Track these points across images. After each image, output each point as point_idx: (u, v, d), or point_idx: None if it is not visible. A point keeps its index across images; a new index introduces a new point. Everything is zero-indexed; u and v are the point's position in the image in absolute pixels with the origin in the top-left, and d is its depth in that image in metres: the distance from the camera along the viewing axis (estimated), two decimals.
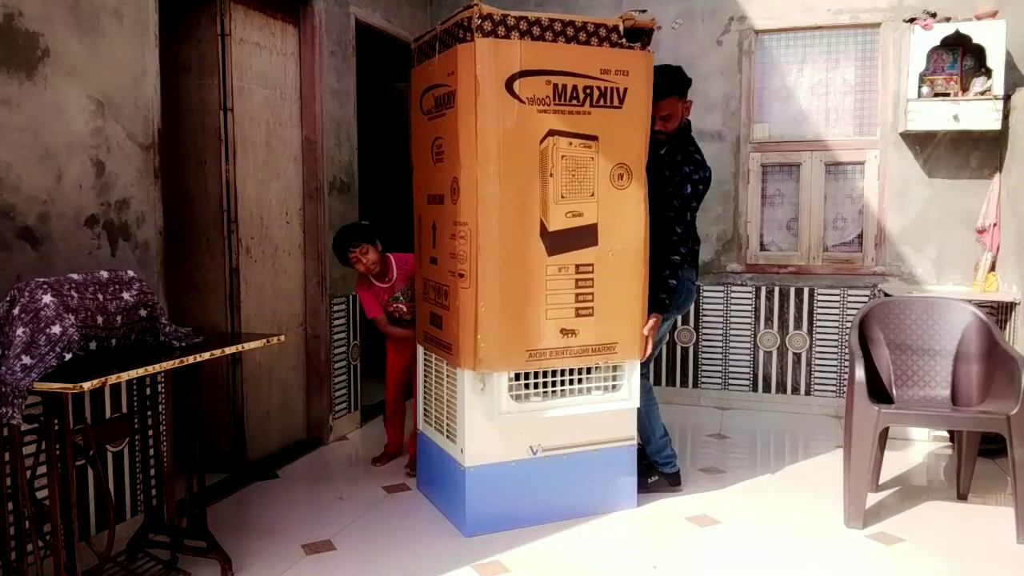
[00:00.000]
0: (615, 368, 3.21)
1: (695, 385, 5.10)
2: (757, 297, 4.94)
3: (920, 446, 4.22)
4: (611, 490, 3.31)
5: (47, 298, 2.19)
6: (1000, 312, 4.10)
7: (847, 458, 3.21)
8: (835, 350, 4.81)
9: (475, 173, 2.91)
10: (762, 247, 5.00)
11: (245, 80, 3.73)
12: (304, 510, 3.36)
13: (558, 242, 3.01)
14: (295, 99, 4.10)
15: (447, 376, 3.22)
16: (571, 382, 3.16)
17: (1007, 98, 4.22)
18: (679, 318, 5.03)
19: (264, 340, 2.73)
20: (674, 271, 3.26)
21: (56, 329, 2.17)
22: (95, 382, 2.04)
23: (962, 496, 3.48)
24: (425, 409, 3.53)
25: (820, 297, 4.82)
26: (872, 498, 3.40)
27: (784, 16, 4.80)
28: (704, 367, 5.08)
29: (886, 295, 4.13)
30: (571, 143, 2.99)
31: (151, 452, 2.87)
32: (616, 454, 3.29)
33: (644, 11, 3.11)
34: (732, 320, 4.99)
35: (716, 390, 5.06)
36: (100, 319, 2.35)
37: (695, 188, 3.29)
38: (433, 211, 3.25)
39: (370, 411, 4.73)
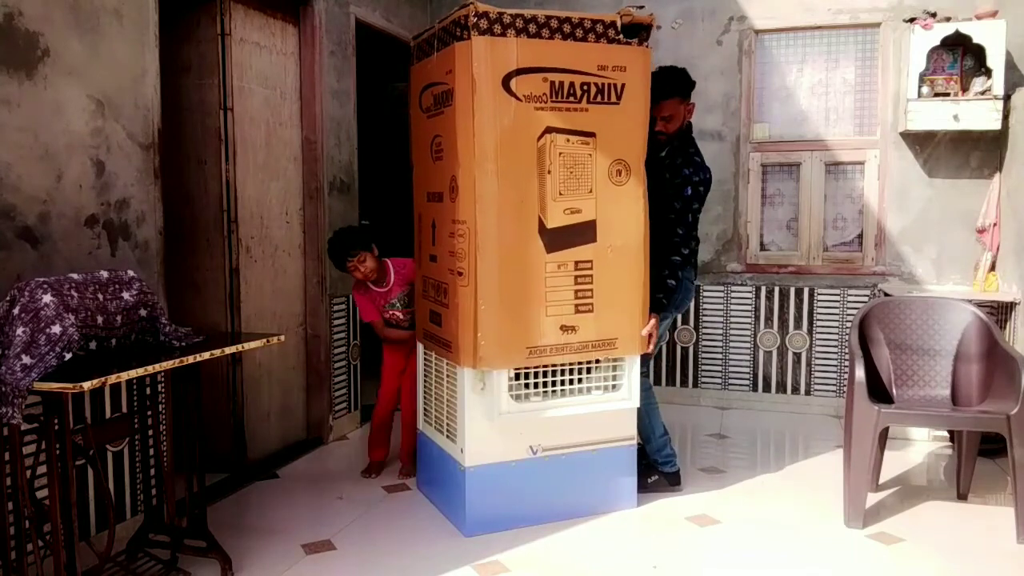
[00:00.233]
0: (615, 368, 3.21)
1: (695, 385, 5.10)
2: (757, 297, 4.94)
3: (920, 446, 4.22)
4: (611, 490, 3.31)
5: (47, 298, 2.19)
6: (1000, 312, 4.10)
7: (847, 458, 3.21)
8: (835, 350, 4.81)
9: (473, 172, 2.91)
10: (762, 247, 5.00)
11: (245, 80, 3.73)
12: (304, 510, 3.36)
13: (557, 239, 3.01)
14: (295, 99, 4.11)
15: (447, 376, 3.22)
16: (571, 382, 3.16)
17: (1007, 98, 4.22)
18: (679, 317, 5.03)
19: (264, 340, 2.73)
20: (674, 272, 3.26)
21: (56, 329, 2.17)
22: (95, 382, 2.04)
23: (962, 496, 3.48)
24: (425, 409, 3.53)
25: (820, 297, 4.82)
26: (872, 498, 3.40)
27: (784, 16, 4.80)
28: (704, 367, 5.08)
29: (886, 295, 4.13)
30: (569, 140, 2.99)
31: (151, 452, 2.87)
32: (616, 454, 3.29)
33: (642, 7, 3.10)
34: (732, 320, 4.99)
35: (716, 390, 5.06)
36: (100, 319, 2.35)
37: (695, 190, 3.29)
38: (433, 209, 3.25)
39: (370, 411, 4.71)
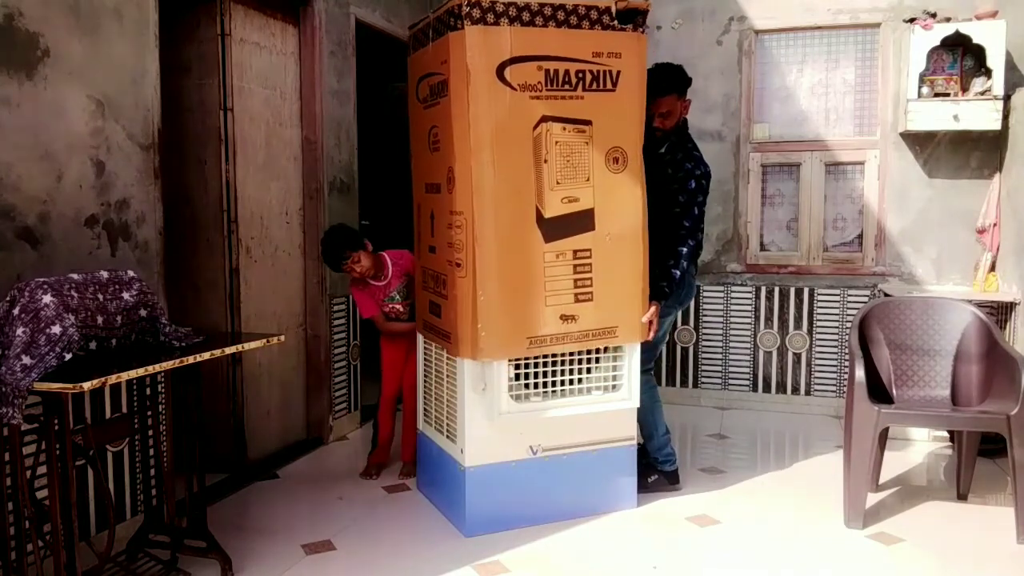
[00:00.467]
0: (615, 368, 3.21)
1: (695, 385, 5.10)
2: (757, 297, 4.94)
3: (920, 446, 4.22)
4: (611, 490, 3.31)
5: (47, 298, 2.19)
6: (1000, 312, 4.10)
7: (847, 458, 3.21)
8: (835, 350, 4.81)
9: (469, 162, 2.90)
10: (762, 247, 5.00)
11: (245, 80, 3.73)
12: (304, 510, 3.36)
13: (555, 228, 3.00)
14: (295, 99, 4.10)
15: (447, 376, 3.22)
16: (571, 382, 3.16)
17: (1007, 98, 4.22)
18: (679, 317, 5.03)
19: (264, 340, 2.73)
20: (679, 262, 3.27)
21: (56, 329, 2.17)
22: (95, 382, 2.04)
23: (962, 496, 3.48)
24: (425, 409, 3.53)
25: (820, 297, 4.82)
26: (872, 498, 3.40)
27: (784, 16, 4.80)
28: (704, 367, 5.08)
29: (886, 295, 4.13)
30: (565, 128, 2.98)
31: (151, 452, 2.87)
32: (616, 454, 3.29)
33: None
34: (732, 320, 4.99)
35: (716, 390, 5.06)
36: (100, 319, 2.35)
37: (699, 183, 3.32)
38: (431, 200, 3.25)
39: (370, 411, 4.72)
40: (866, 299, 4.62)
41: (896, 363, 3.49)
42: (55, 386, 2.04)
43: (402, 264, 3.69)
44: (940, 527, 3.20)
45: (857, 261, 4.79)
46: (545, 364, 3.10)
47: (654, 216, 3.18)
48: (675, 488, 3.56)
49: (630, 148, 3.08)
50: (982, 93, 4.23)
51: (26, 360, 2.10)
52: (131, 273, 2.55)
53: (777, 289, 4.90)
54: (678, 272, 3.27)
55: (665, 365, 5.12)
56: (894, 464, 3.82)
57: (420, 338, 3.52)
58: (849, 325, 4.46)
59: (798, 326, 4.87)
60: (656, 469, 3.54)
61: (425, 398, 3.52)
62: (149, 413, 2.80)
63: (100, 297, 2.37)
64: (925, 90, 4.34)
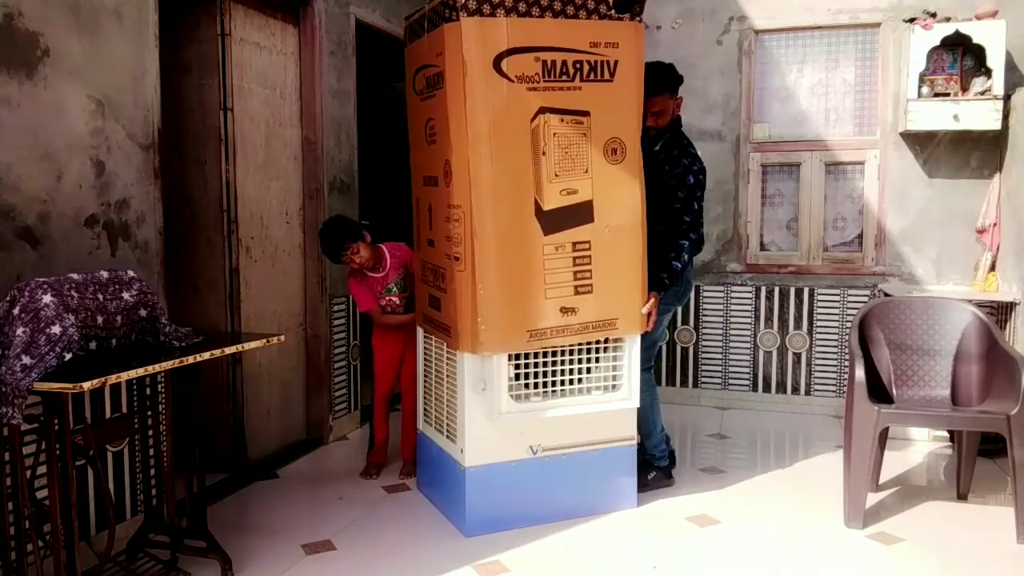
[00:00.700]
0: (615, 368, 3.21)
1: (695, 385, 5.10)
2: (757, 297, 4.94)
3: (920, 446, 4.22)
4: (611, 490, 3.31)
5: (47, 298, 2.19)
6: (1000, 312, 4.10)
7: (847, 458, 3.21)
8: (835, 350, 4.81)
9: (466, 155, 2.89)
10: (762, 247, 5.00)
11: (245, 80, 3.73)
12: (304, 510, 3.36)
13: (554, 221, 2.99)
14: (295, 99, 4.10)
15: (447, 375, 3.22)
16: (571, 382, 3.16)
17: (1007, 98, 4.22)
18: (679, 317, 5.03)
19: (264, 340, 2.73)
20: (680, 255, 3.28)
21: (56, 329, 2.17)
22: (95, 382, 2.04)
23: (962, 496, 3.48)
24: (425, 409, 3.53)
25: (820, 297, 4.82)
26: (872, 498, 3.40)
27: (784, 16, 4.80)
28: (704, 367, 5.08)
29: (886, 295, 4.13)
30: (563, 120, 2.97)
31: (151, 452, 2.87)
32: (616, 454, 3.29)
33: None
34: (732, 320, 4.99)
35: (716, 390, 5.06)
36: (100, 319, 2.35)
37: (696, 179, 3.34)
38: (429, 193, 3.24)
39: (369, 411, 4.71)
40: (866, 299, 4.62)
41: (896, 363, 3.49)
42: (55, 386, 2.04)
43: (400, 256, 3.69)
44: (940, 527, 3.20)
45: (857, 261, 4.79)
46: (545, 364, 3.10)
47: (652, 213, 3.18)
48: (669, 483, 3.57)
49: (628, 139, 3.07)
50: (982, 93, 4.23)
51: (26, 360, 2.10)
52: (131, 273, 2.55)
53: (777, 289, 4.90)
54: (679, 264, 3.27)
55: (665, 365, 5.12)
56: (894, 464, 3.82)
57: (420, 337, 3.52)
58: (849, 325, 4.46)
59: (798, 326, 4.87)
60: (653, 466, 3.55)
61: (425, 398, 3.52)
62: (149, 413, 2.80)
63: (100, 297, 2.37)
64: (925, 90, 4.34)
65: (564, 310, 3.02)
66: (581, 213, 3.03)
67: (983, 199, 4.46)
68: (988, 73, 4.21)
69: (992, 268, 4.34)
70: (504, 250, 2.94)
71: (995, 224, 4.36)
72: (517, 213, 2.94)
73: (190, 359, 2.40)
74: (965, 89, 4.35)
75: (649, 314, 3.18)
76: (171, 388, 2.76)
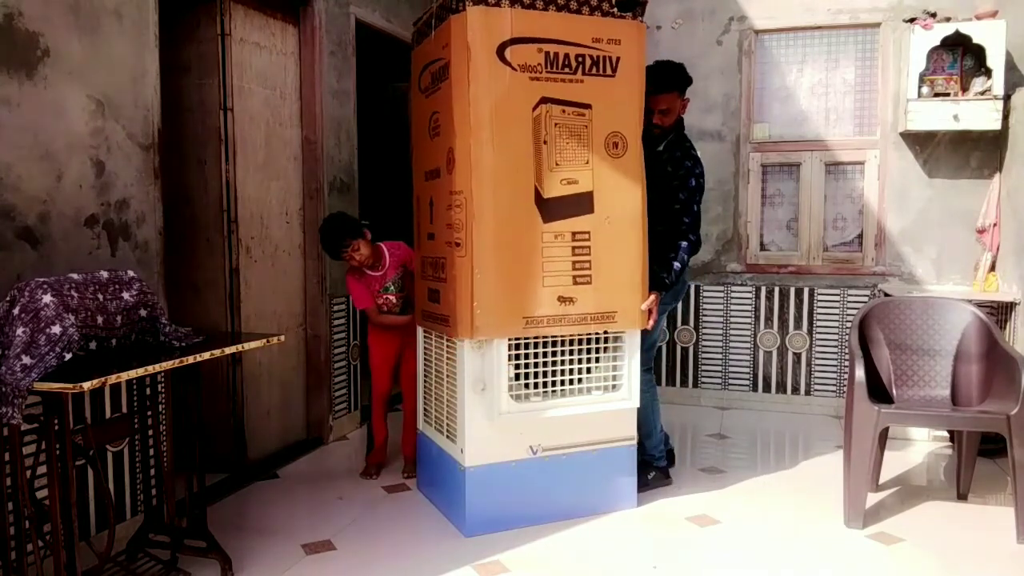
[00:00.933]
0: (615, 368, 3.21)
1: (695, 385, 5.10)
2: (757, 297, 4.94)
3: (920, 446, 4.22)
4: (611, 490, 3.31)
5: (47, 298, 2.19)
6: (1000, 312, 4.10)
7: (847, 458, 3.21)
8: (835, 350, 4.81)
9: (469, 141, 2.91)
10: (762, 247, 5.00)
11: (245, 80, 3.73)
12: (304, 510, 3.36)
13: (553, 209, 3.00)
14: (295, 99, 4.11)
15: (447, 376, 3.22)
16: (571, 382, 3.16)
17: (1007, 98, 4.22)
18: (679, 317, 5.03)
19: (264, 340, 2.73)
20: (679, 255, 3.29)
21: (56, 329, 2.17)
22: (95, 382, 2.04)
23: (962, 496, 3.48)
24: (425, 409, 3.53)
25: (820, 297, 4.82)
26: (872, 498, 3.40)
27: (784, 16, 4.80)
28: (704, 367, 5.08)
29: (886, 295, 4.13)
30: (564, 111, 2.99)
31: (151, 452, 2.87)
32: (616, 454, 3.29)
33: None
34: (732, 320, 4.99)
35: (716, 390, 5.06)
36: (100, 319, 2.35)
37: (698, 181, 3.36)
38: (430, 187, 3.25)
39: (369, 411, 4.72)
40: (866, 299, 4.63)
41: (896, 363, 3.49)
42: (55, 386, 2.04)
43: (399, 255, 3.70)
44: (940, 527, 3.20)
45: (857, 261, 4.79)
46: (546, 364, 3.10)
47: (653, 213, 3.19)
48: (667, 483, 3.58)
49: (629, 134, 3.09)
50: (982, 93, 4.23)
51: (26, 360, 2.10)
52: (131, 273, 2.55)
53: (777, 289, 4.90)
54: (679, 264, 3.28)
55: (665, 365, 5.12)
56: (894, 464, 3.82)
57: (420, 336, 3.52)
58: (849, 325, 4.46)
59: (798, 326, 4.87)
60: (652, 466, 3.55)
61: (425, 398, 3.52)
62: (149, 413, 2.80)
63: (100, 297, 2.37)
64: (925, 90, 4.34)
65: (562, 299, 3.02)
66: (581, 203, 3.04)
67: (983, 199, 4.46)
68: (988, 73, 4.21)
69: (992, 268, 4.34)
70: (503, 236, 2.94)
71: (995, 224, 4.36)
72: (517, 200, 2.96)
73: (190, 359, 2.40)
74: (965, 89, 4.35)
75: (649, 311, 3.18)
76: (171, 388, 2.76)
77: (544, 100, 2.96)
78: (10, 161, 2.46)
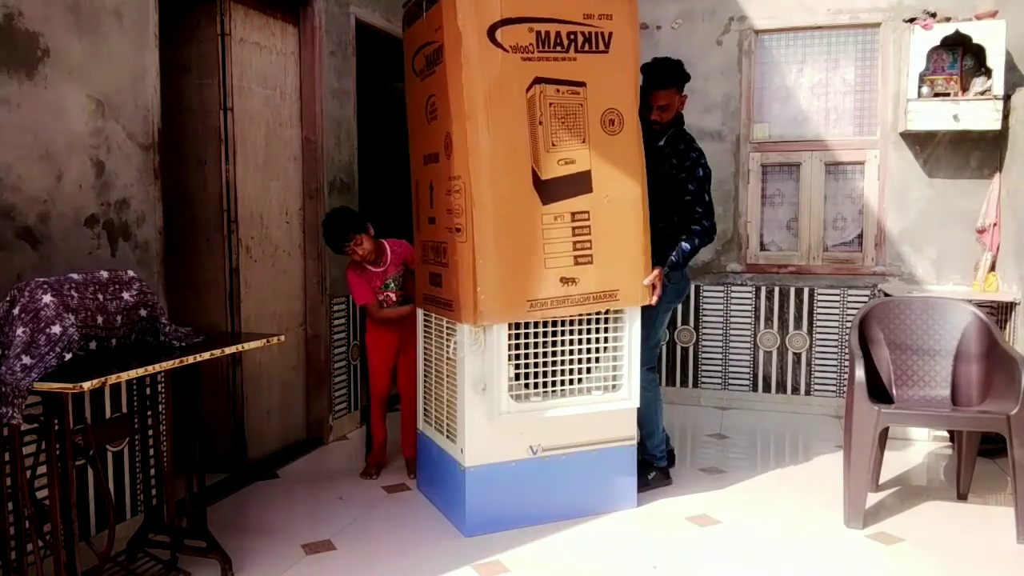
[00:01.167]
0: (615, 368, 3.21)
1: (695, 385, 5.10)
2: (757, 297, 4.94)
3: (920, 446, 4.22)
4: (611, 490, 3.31)
5: (47, 298, 2.19)
6: (1000, 312, 4.10)
7: (847, 458, 3.21)
8: (835, 350, 4.80)
9: (465, 126, 2.90)
10: (762, 247, 5.00)
11: (245, 80, 3.73)
12: (304, 510, 3.36)
13: (552, 190, 2.99)
14: (295, 99, 4.11)
15: (447, 375, 3.22)
16: (571, 382, 3.15)
17: (1007, 98, 4.22)
18: (679, 317, 5.03)
19: (264, 340, 2.73)
20: (691, 238, 3.31)
21: (56, 329, 2.17)
22: (95, 382, 2.04)
23: (962, 496, 3.48)
24: (425, 409, 3.53)
25: (820, 297, 4.82)
26: (872, 498, 3.40)
27: (784, 16, 4.80)
28: (704, 367, 5.08)
29: (886, 295, 4.13)
30: (558, 90, 2.97)
31: (151, 452, 2.87)
32: (616, 454, 3.29)
33: None
34: (732, 320, 4.99)
35: (716, 390, 5.06)
36: (100, 319, 2.35)
37: (705, 170, 3.39)
38: (430, 171, 3.25)
39: (369, 411, 4.72)
40: (866, 299, 4.62)
41: (896, 363, 3.49)
42: (55, 386, 2.04)
43: (400, 252, 3.70)
44: (940, 527, 3.20)
45: (857, 261, 4.79)
46: (546, 364, 3.10)
47: (655, 210, 3.19)
48: (667, 483, 3.59)
49: (625, 110, 3.08)
50: (982, 93, 4.23)
51: (26, 360, 2.10)
52: (131, 273, 2.55)
53: (777, 289, 4.90)
54: (688, 246, 3.30)
55: (665, 365, 5.12)
56: (894, 464, 3.82)
57: (420, 337, 3.52)
58: (849, 325, 4.46)
59: (798, 326, 4.87)
60: (653, 466, 3.55)
61: (425, 398, 3.52)
62: (149, 413, 2.80)
63: (100, 297, 2.37)
64: (925, 90, 4.34)
65: (564, 280, 3.01)
66: (580, 183, 3.02)
67: (983, 199, 4.46)
68: (988, 73, 4.21)
69: (992, 268, 4.34)
70: (503, 220, 2.93)
71: (995, 224, 4.36)
72: (516, 183, 2.94)
73: (190, 359, 2.40)
74: (965, 89, 4.35)
75: (653, 286, 3.17)
76: (171, 388, 2.76)
77: (537, 80, 2.94)
78: (10, 161, 2.46)
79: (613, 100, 3.05)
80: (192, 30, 3.61)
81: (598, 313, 3.15)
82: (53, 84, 2.60)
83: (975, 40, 4.20)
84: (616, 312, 3.17)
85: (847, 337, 4.55)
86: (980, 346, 3.38)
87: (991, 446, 3.75)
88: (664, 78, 3.35)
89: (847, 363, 3.94)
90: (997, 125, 4.21)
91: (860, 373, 3.16)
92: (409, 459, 3.78)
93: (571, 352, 3.13)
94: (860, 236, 4.80)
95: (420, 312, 3.51)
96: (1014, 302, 4.04)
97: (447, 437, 3.25)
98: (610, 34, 3.02)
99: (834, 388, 4.83)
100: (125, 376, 2.16)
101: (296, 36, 4.08)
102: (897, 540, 3.06)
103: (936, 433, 4.21)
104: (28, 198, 2.52)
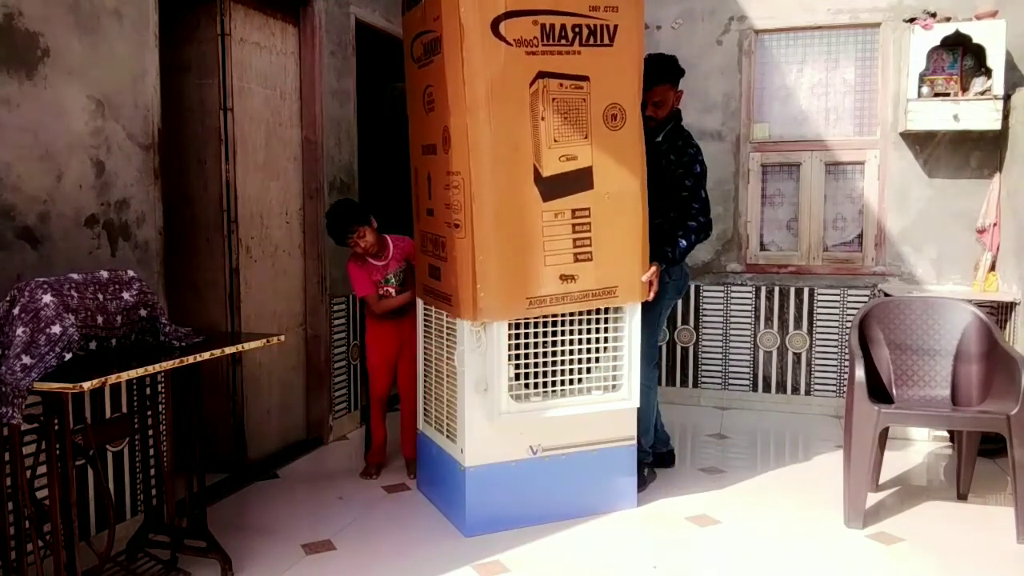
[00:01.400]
0: (615, 368, 3.20)
1: (695, 385, 5.10)
2: (757, 297, 4.94)
3: (920, 446, 4.22)
4: (611, 490, 3.31)
5: (47, 298, 2.19)
6: (1000, 312, 4.10)
7: (847, 458, 3.21)
8: (835, 350, 4.80)
9: (465, 121, 2.87)
10: (762, 247, 5.00)
11: (245, 80, 3.73)
12: (304, 510, 3.36)
13: (553, 187, 2.97)
14: (295, 99, 4.11)
15: (447, 375, 3.22)
16: (571, 382, 3.15)
17: (1007, 98, 4.22)
18: (679, 316, 5.03)
19: (264, 340, 2.73)
20: (688, 234, 3.32)
21: (56, 329, 2.17)
22: (95, 382, 2.04)
23: (962, 496, 3.48)
24: (425, 409, 3.53)
25: (820, 297, 4.82)
26: (872, 498, 3.40)
27: (784, 16, 4.80)
28: (704, 367, 5.08)
29: (886, 295, 4.13)
30: (562, 85, 2.93)
31: (151, 452, 2.87)
32: (616, 454, 3.29)
33: None
34: (732, 320, 4.99)
35: (716, 390, 5.06)
36: (100, 319, 2.35)
37: (703, 167, 3.40)
38: (428, 162, 3.23)
39: (368, 411, 4.72)
40: (866, 299, 4.62)
41: (896, 363, 3.49)
42: (55, 386, 2.04)
43: (403, 247, 3.70)
44: (940, 527, 3.20)
45: (857, 261, 4.79)
46: (546, 364, 3.10)
47: (654, 206, 3.20)
48: (653, 477, 3.60)
49: (628, 105, 3.06)
50: (982, 93, 4.23)
51: (26, 360, 2.10)
52: (131, 273, 2.55)
53: (777, 289, 4.90)
54: (685, 243, 3.30)
55: (665, 365, 5.11)
56: (894, 464, 3.82)
57: (420, 337, 3.52)
58: (849, 325, 4.46)
59: (798, 326, 4.87)
60: (645, 463, 3.56)
61: (425, 398, 3.52)
62: (149, 413, 2.80)
63: (100, 297, 2.37)
64: (925, 90, 4.34)
65: (564, 277, 3.00)
66: (581, 180, 3.00)
67: (983, 199, 4.46)
68: (988, 73, 4.21)
69: (992, 268, 4.34)
70: (503, 217, 2.91)
71: (995, 224, 4.36)
72: (516, 179, 2.92)
73: (190, 359, 2.40)
74: (965, 89, 4.35)
75: (650, 283, 3.17)
76: (171, 388, 2.76)
77: (541, 75, 2.90)
78: (10, 161, 2.46)
79: (616, 95, 3.03)
80: (192, 30, 3.61)
81: (598, 312, 3.14)
82: (53, 84, 2.60)
83: (975, 40, 4.20)
84: (616, 312, 3.17)
85: (847, 337, 4.55)
86: (980, 346, 3.38)
87: (991, 446, 3.75)
88: (658, 74, 3.36)
89: (847, 363, 3.94)
90: (997, 125, 4.21)
91: (860, 373, 3.16)
92: (409, 459, 3.78)
93: (571, 352, 3.13)
94: (860, 236, 4.80)
95: (420, 311, 3.51)
96: (1014, 302, 4.04)
97: (447, 437, 3.25)
98: (615, 27, 2.98)
99: (834, 388, 4.83)
100: (125, 376, 2.17)
101: (296, 36, 4.08)
102: (897, 540, 3.06)
103: (936, 433, 4.21)
104: (28, 198, 2.52)
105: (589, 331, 3.16)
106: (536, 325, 3.06)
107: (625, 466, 3.32)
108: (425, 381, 3.51)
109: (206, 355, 2.46)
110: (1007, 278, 4.20)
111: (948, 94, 4.35)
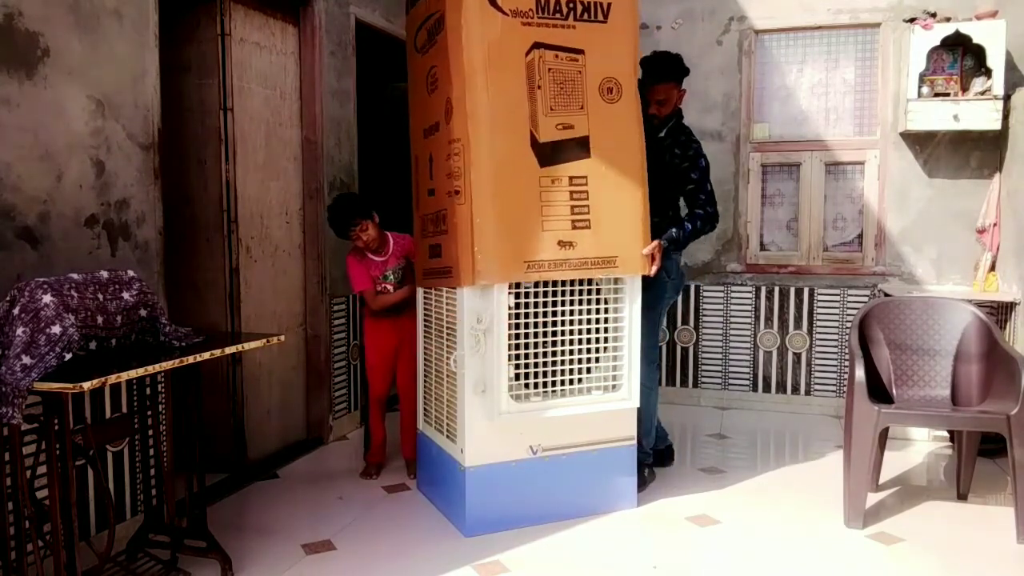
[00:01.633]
0: (615, 368, 3.21)
1: (695, 385, 5.10)
2: (757, 297, 4.94)
3: (920, 446, 4.22)
4: (611, 490, 3.31)
5: (47, 298, 2.19)
6: (1000, 312, 4.10)
7: (847, 458, 3.21)
8: (835, 350, 4.81)
9: (464, 87, 2.92)
10: (762, 247, 5.00)
11: (245, 80, 3.73)
12: (304, 510, 3.36)
13: (550, 153, 3.01)
14: (295, 99, 4.11)
15: (447, 375, 3.22)
16: (571, 382, 3.15)
17: (1007, 98, 4.22)
18: (679, 316, 5.03)
19: (264, 340, 2.73)
20: (694, 220, 3.35)
21: (56, 329, 2.17)
22: (95, 382, 2.04)
23: (962, 496, 3.48)
24: (425, 409, 3.53)
25: (820, 297, 4.82)
26: (872, 498, 3.40)
27: (784, 16, 4.80)
28: (704, 367, 5.08)
29: (886, 295, 4.13)
30: (557, 56, 3.02)
31: (151, 452, 2.87)
32: (616, 454, 3.29)
33: None
34: (732, 320, 4.99)
35: (716, 390, 5.06)
36: (100, 319, 2.35)
37: (706, 161, 3.44)
38: (430, 144, 3.26)
39: (368, 412, 4.72)
40: (866, 299, 4.63)
41: (896, 363, 3.49)
42: (55, 386, 2.04)
43: (403, 244, 3.70)
44: (940, 527, 3.20)
45: (857, 261, 4.79)
46: (547, 364, 3.10)
47: (657, 202, 3.21)
48: (651, 477, 3.59)
49: (624, 80, 3.11)
50: (982, 93, 4.23)
51: (26, 360, 2.10)
52: (131, 273, 2.55)
53: (777, 289, 4.90)
54: (689, 226, 3.34)
55: (665, 365, 5.12)
56: (894, 464, 3.83)
57: (420, 337, 3.52)
58: (849, 325, 4.46)
59: (798, 326, 4.87)
60: (645, 463, 3.56)
61: (425, 398, 3.52)
62: (149, 413, 2.80)
63: (100, 297, 2.37)
64: (925, 90, 4.34)
65: (562, 243, 3.02)
66: (577, 147, 3.05)
67: (983, 199, 4.46)
68: (988, 73, 4.21)
69: (992, 268, 4.34)
70: (501, 182, 2.95)
71: (995, 224, 4.37)
72: (514, 144, 2.96)
73: (190, 359, 2.40)
74: (965, 89, 4.35)
75: (652, 257, 3.16)
76: (171, 388, 2.76)
77: (536, 45, 2.98)
78: (10, 161, 2.46)
79: (612, 69, 3.09)
80: (192, 30, 3.61)
81: (598, 305, 3.15)
82: (53, 84, 2.60)
83: (975, 40, 4.20)
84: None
85: (847, 337, 4.56)
86: (980, 346, 3.38)
87: (991, 446, 3.75)
88: (662, 72, 3.39)
89: (847, 363, 3.94)
90: (997, 125, 4.21)
91: (860, 373, 3.16)
92: (409, 459, 3.78)
93: (571, 352, 3.13)
94: (860, 236, 4.80)
95: (420, 311, 3.51)
96: (1014, 302, 4.04)
97: (447, 437, 3.25)
98: (609, 4, 3.07)
99: (834, 388, 4.83)
100: (125, 376, 2.16)
101: (296, 36, 4.08)
102: (897, 540, 3.06)
103: (936, 433, 4.21)
104: (28, 198, 2.52)
105: (589, 323, 3.15)
106: (536, 325, 3.06)
107: (625, 466, 3.32)
108: (425, 381, 3.51)
109: (206, 355, 2.46)
110: (1007, 278, 4.20)
111: (948, 94, 4.36)
